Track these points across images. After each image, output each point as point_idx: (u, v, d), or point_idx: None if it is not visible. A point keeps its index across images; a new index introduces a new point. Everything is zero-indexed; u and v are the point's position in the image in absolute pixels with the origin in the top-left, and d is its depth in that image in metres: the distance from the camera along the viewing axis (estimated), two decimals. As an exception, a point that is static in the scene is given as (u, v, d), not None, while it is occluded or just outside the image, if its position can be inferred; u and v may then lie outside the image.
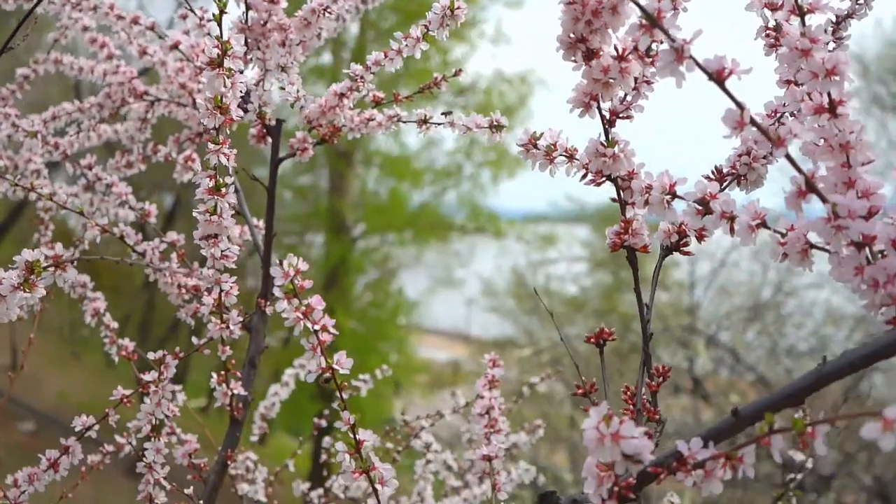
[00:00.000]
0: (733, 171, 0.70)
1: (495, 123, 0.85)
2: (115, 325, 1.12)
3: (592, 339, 0.66)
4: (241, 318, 0.93)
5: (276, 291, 0.63)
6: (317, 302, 0.64)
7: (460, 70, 1.01)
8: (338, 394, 0.66)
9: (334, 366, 0.64)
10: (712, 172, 0.70)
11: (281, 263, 0.62)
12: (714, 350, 6.80)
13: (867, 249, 0.52)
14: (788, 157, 0.52)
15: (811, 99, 0.55)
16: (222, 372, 0.98)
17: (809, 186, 0.52)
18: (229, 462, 1.00)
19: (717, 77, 0.51)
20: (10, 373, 1.21)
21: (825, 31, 0.74)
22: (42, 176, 1.29)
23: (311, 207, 11.23)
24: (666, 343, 7.03)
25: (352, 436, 0.66)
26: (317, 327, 0.63)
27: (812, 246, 0.55)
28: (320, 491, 1.36)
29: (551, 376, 1.71)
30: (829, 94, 0.55)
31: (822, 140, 0.56)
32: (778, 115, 0.70)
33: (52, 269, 0.68)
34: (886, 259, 0.52)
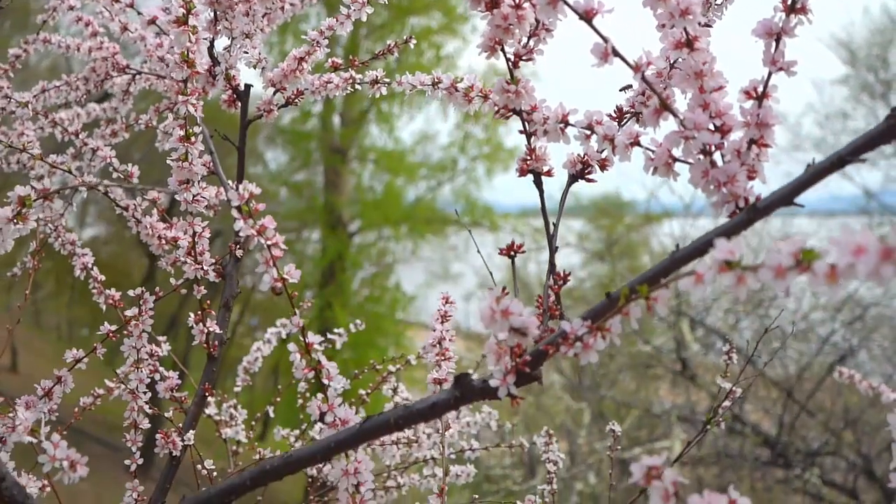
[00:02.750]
0: (632, 108, 0.80)
1: (436, 80, 0.96)
2: (102, 277, 1.22)
3: (504, 252, 0.77)
4: (213, 261, 1.04)
5: (234, 212, 0.73)
6: (269, 221, 0.74)
7: (410, 37, 1.12)
8: (291, 303, 0.77)
9: (285, 276, 0.75)
10: (614, 111, 0.81)
11: (237, 188, 0.73)
12: (705, 336, 6.93)
13: (713, 157, 0.63)
14: (644, 79, 0.63)
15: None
16: (199, 312, 1.08)
17: (664, 105, 0.63)
18: (207, 394, 1.11)
19: (586, 16, 0.62)
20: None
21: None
22: (34, 147, 1.39)
23: (307, 204, 11.32)
24: (660, 331, 7.15)
25: (302, 339, 0.77)
26: (269, 243, 0.74)
27: (675, 159, 0.66)
28: (296, 432, 1.47)
29: None
30: (685, 31, 0.65)
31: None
32: (671, 60, 0.81)
33: (40, 201, 0.79)
34: (728, 164, 0.63)
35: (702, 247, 0.61)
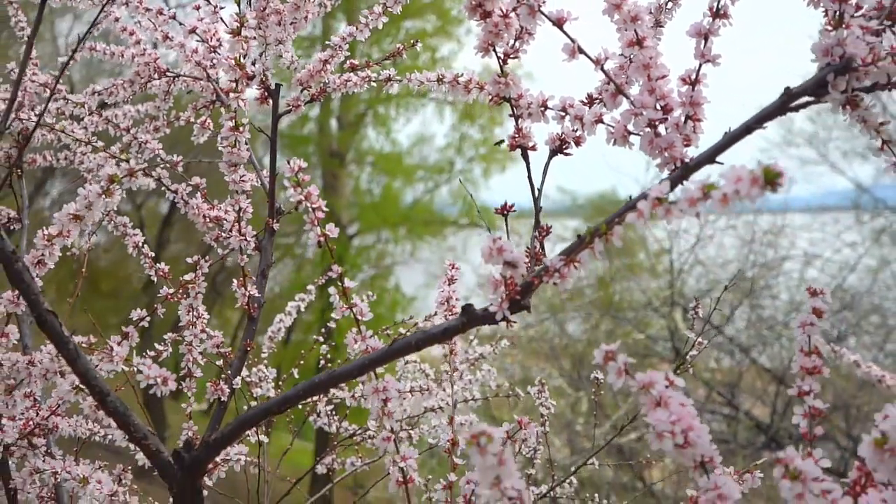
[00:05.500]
0: (599, 95, 0.99)
1: (440, 77, 1.15)
2: (152, 254, 1.41)
3: (499, 211, 0.96)
4: (255, 233, 1.23)
5: (286, 182, 0.92)
6: (314, 190, 0.93)
7: (416, 41, 1.31)
8: (330, 255, 0.96)
9: (326, 232, 0.94)
10: (586, 97, 1.00)
11: (288, 162, 0.92)
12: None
13: (658, 129, 0.82)
14: (604, 71, 0.82)
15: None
16: (241, 278, 1.27)
17: (619, 90, 0.82)
18: (248, 349, 1.30)
19: (558, 23, 0.81)
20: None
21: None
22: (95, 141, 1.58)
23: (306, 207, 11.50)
24: (655, 321, 7.35)
25: (340, 284, 0.96)
26: (314, 206, 0.93)
27: (629, 132, 0.85)
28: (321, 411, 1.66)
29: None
30: (636, 33, 0.84)
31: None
32: (627, 55, 1.00)
33: (126, 178, 0.98)
34: (668, 134, 0.82)
35: (646, 195, 0.80)
